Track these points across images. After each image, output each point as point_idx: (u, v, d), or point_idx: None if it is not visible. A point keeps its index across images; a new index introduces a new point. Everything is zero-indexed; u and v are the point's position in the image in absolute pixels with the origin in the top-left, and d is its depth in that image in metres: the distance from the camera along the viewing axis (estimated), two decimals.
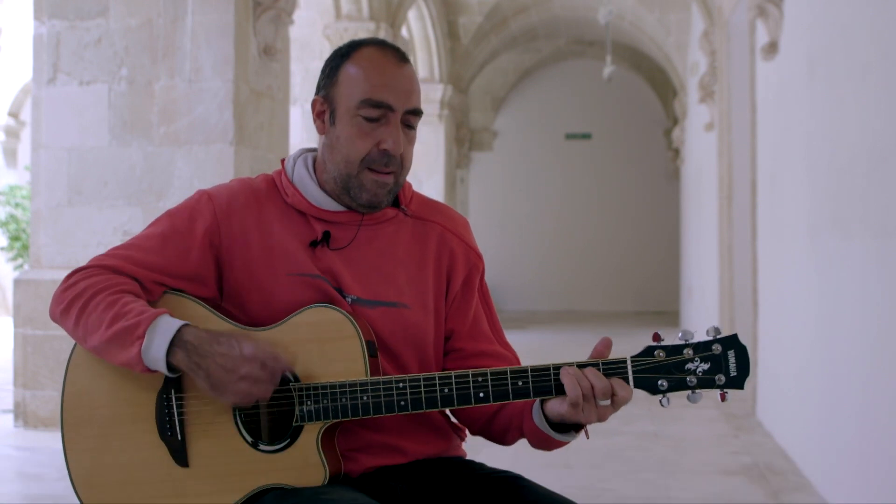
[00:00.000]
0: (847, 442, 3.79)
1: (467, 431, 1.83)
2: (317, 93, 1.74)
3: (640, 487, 4.40)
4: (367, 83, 1.67)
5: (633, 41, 12.64)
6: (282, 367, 1.57)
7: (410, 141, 1.72)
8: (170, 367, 1.56)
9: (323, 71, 1.74)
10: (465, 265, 1.79)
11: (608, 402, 1.54)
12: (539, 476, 1.81)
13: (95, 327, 1.59)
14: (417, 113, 1.71)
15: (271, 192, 1.75)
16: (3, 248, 13.26)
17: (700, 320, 9.79)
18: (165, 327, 1.56)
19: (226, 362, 1.54)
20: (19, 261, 12.65)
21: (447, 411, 1.79)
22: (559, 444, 1.66)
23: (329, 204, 1.73)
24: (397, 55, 1.71)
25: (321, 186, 1.73)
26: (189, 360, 1.55)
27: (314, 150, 1.80)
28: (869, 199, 3.49)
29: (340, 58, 1.72)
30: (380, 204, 1.71)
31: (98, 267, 1.67)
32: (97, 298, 1.61)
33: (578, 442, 1.70)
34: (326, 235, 1.71)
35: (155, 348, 1.55)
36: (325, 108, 1.72)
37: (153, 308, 1.60)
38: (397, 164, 1.69)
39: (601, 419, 1.56)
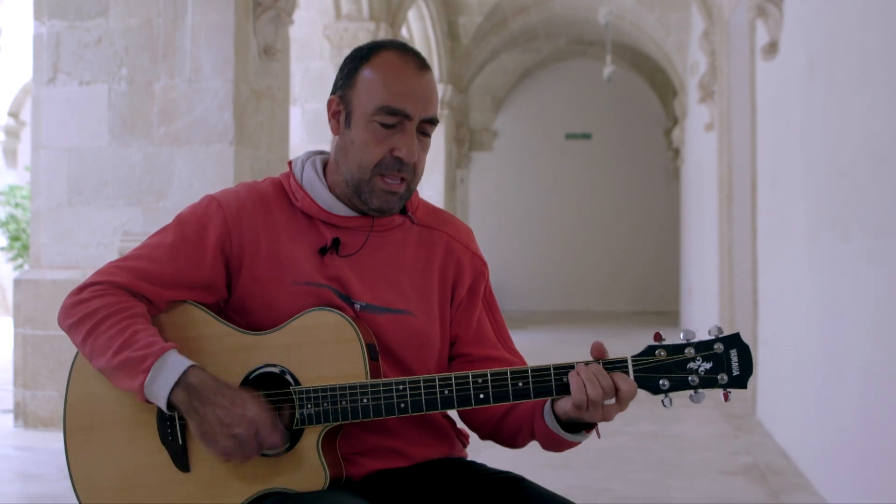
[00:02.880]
0: (847, 442, 3.79)
1: (471, 437, 1.83)
2: (333, 92, 1.73)
3: (640, 487, 4.40)
4: (385, 90, 1.65)
5: (633, 41, 12.64)
6: (273, 442, 1.56)
7: (424, 148, 1.71)
8: (169, 404, 1.56)
9: (341, 70, 1.72)
10: (471, 273, 1.79)
11: (612, 400, 1.54)
12: (539, 476, 1.80)
13: (103, 351, 1.59)
14: (434, 121, 1.70)
15: (279, 196, 1.74)
16: (3, 248, 13.26)
17: (700, 320, 9.80)
18: (172, 365, 1.55)
19: (224, 416, 1.53)
20: (19, 261, 12.65)
21: (450, 415, 1.79)
22: (571, 445, 1.66)
23: (339, 208, 1.72)
24: (418, 62, 1.69)
25: (331, 190, 1.73)
26: (189, 403, 1.54)
27: (322, 152, 1.79)
28: (869, 199, 3.49)
29: (360, 60, 1.70)
30: (391, 210, 1.70)
31: (110, 284, 1.65)
32: (108, 322, 1.60)
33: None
34: (336, 242, 1.70)
35: (158, 385, 1.55)
36: (340, 108, 1.71)
37: (161, 339, 1.59)
38: (409, 171, 1.68)
39: (606, 418, 1.56)
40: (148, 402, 1.57)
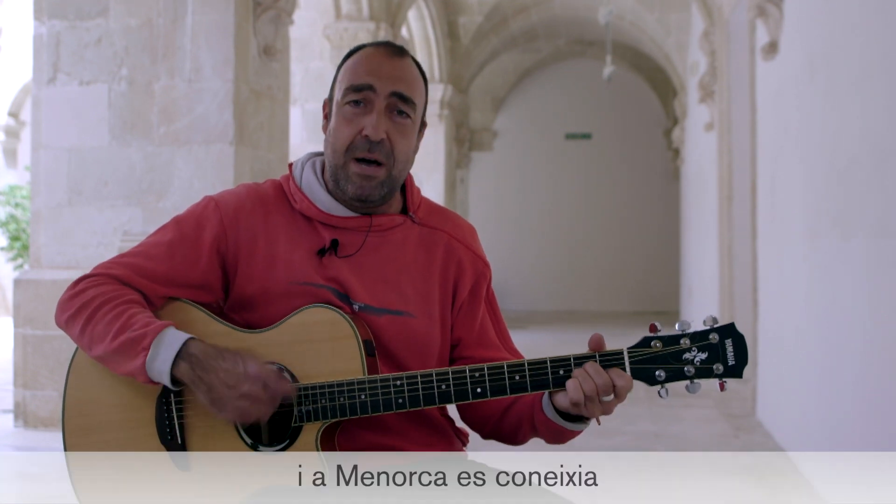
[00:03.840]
0: (847, 441, 3.79)
1: (470, 436, 1.83)
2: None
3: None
4: (353, 73, 1.68)
5: (633, 41, 12.64)
6: (283, 391, 1.56)
7: (402, 131, 1.68)
8: (173, 379, 1.56)
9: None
10: (472, 274, 1.78)
11: (611, 396, 1.54)
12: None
13: (101, 337, 1.59)
14: (406, 99, 1.67)
15: (279, 198, 1.74)
16: (3, 248, 13.26)
17: (700, 321, 9.79)
18: (171, 340, 1.56)
19: (228, 378, 1.53)
20: (19, 261, 12.65)
21: (449, 413, 1.79)
22: (573, 434, 1.66)
23: (338, 209, 1.71)
24: (393, 49, 1.71)
25: (329, 191, 1.73)
26: (192, 373, 1.54)
27: (322, 154, 1.80)
28: (869, 199, 3.49)
29: (343, 61, 1.74)
30: (368, 198, 1.68)
31: (105, 276, 1.66)
32: (104, 308, 1.61)
33: (579, 441, 1.70)
34: (335, 243, 1.69)
35: (160, 361, 1.55)
36: (328, 109, 1.75)
37: (159, 320, 1.60)
38: (385, 152, 1.66)
39: (606, 412, 1.56)
40: (151, 381, 1.57)
